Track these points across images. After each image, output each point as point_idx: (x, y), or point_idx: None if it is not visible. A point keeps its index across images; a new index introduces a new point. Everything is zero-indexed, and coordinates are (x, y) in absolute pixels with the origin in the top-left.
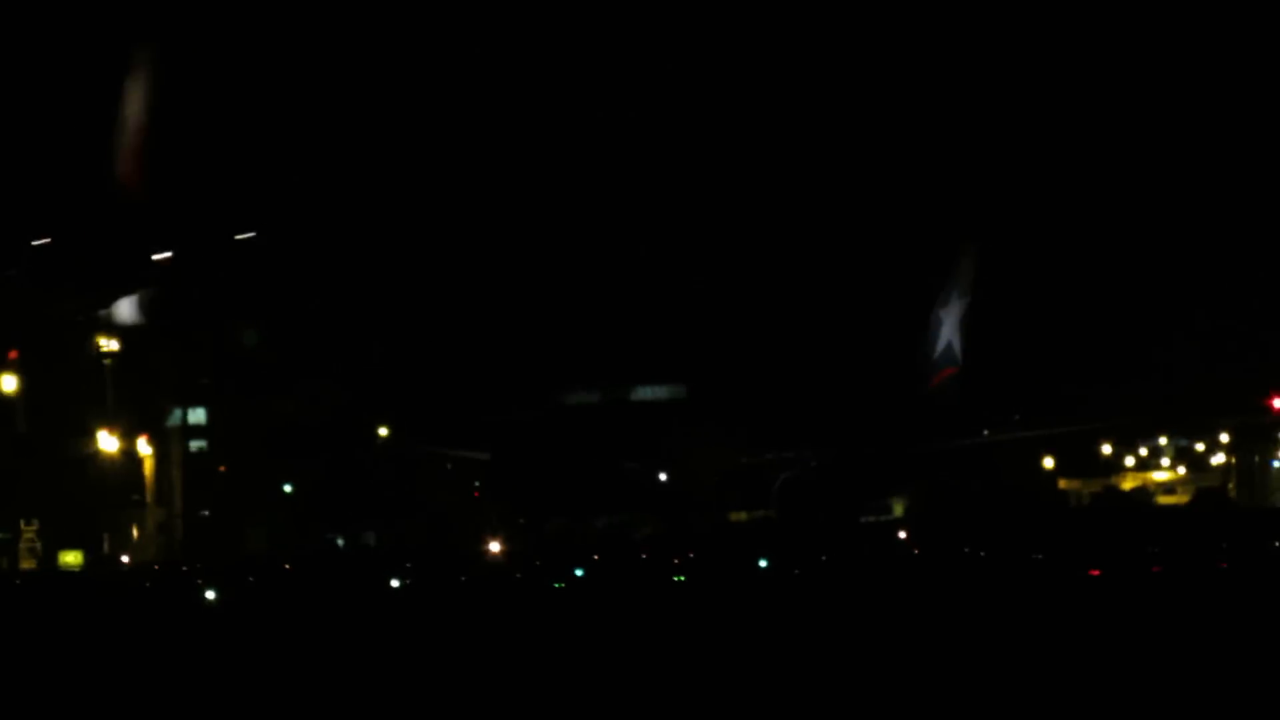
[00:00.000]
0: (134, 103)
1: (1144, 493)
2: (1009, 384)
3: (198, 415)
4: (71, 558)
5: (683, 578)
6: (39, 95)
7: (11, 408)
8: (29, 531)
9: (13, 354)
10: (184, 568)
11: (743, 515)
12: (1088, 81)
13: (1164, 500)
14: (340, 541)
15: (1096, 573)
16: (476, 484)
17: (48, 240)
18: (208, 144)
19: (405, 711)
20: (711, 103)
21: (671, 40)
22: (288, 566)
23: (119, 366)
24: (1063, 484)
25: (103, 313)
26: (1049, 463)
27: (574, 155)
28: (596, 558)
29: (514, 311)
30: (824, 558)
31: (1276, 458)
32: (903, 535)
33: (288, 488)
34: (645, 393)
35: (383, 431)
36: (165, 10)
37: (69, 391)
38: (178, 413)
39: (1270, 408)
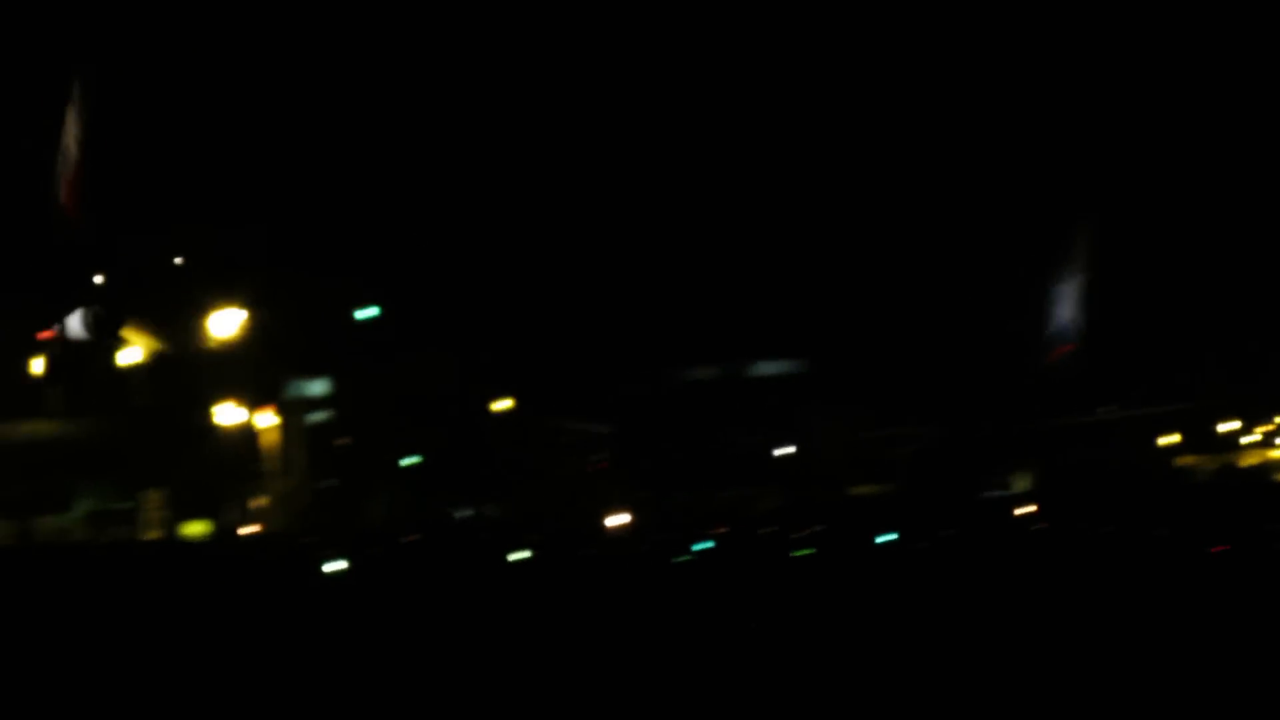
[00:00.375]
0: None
1: (1265, 470)
2: (1128, 361)
3: (320, 387)
4: (195, 528)
5: (806, 551)
6: None
7: (134, 379)
8: (153, 502)
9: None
10: (306, 539)
11: (864, 490)
12: (1216, 50)
13: None
14: (463, 513)
15: (1219, 549)
16: (599, 457)
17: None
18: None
19: (527, 684)
20: (815, 74)
21: (776, 7)
22: (410, 538)
23: (242, 336)
24: (1181, 461)
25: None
26: (1168, 439)
27: (689, 127)
28: (719, 531)
29: (636, 285)
30: (947, 532)
31: None
32: (1025, 511)
33: (410, 460)
34: (767, 368)
35: (505, 404)
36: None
37: (192, 363)
38: (300, 384)
39: None
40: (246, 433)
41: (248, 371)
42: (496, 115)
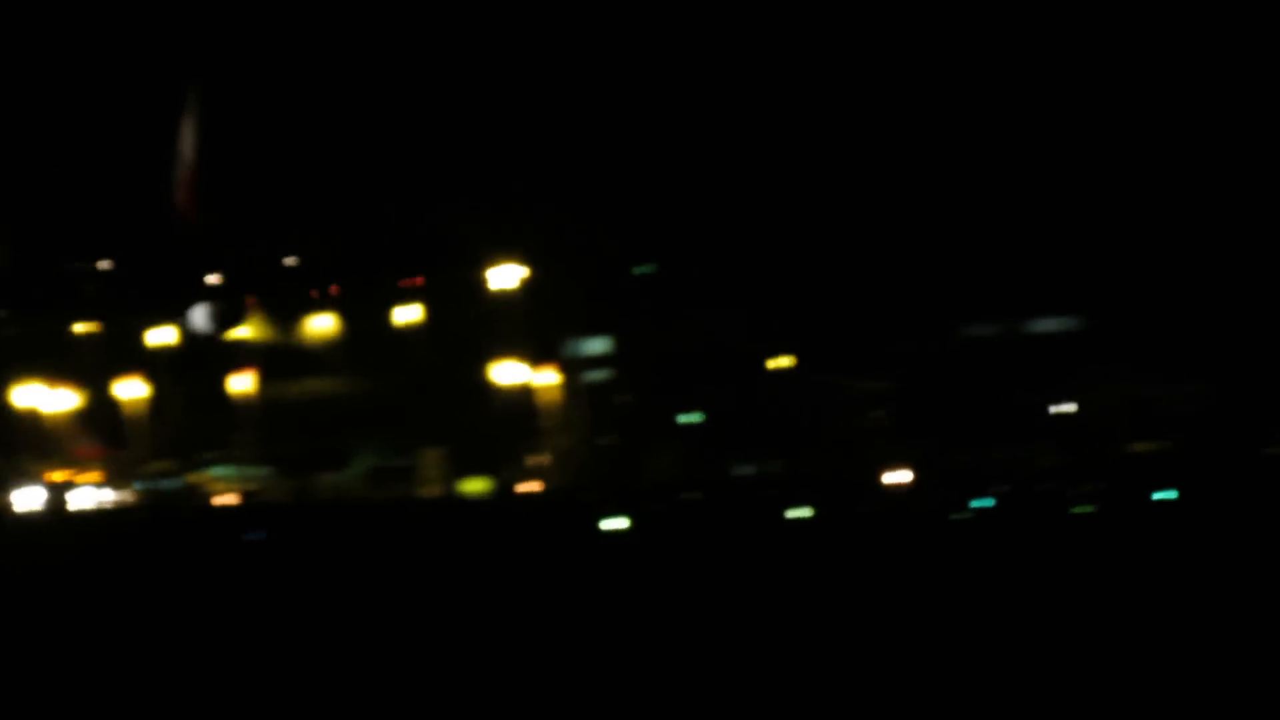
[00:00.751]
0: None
1: None
2: None
3: (600, 344)
4: (475, 484)
5: (1085, 508)
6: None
7: (415, 335)
8: (432, 459)
9: (417, 281)
10: (586, 496)
11: (1143, 447)
12: None
13: None
14: (742, 471)
15: None
16: (878, 414)
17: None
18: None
19: (809, 636)
20: (1100, 35)
21: None
22: (690, 495)
23: (522, 294)
24: None
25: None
26: None
27: (966, 87)
28: (998, 489)
29: (916, 241)
30: (1225, 488)
31: None
32: None
33: (690, 417)
34: (1046, 324)
35: (784, 361)
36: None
37: (472, 319)
38: (580, 341)
39: None
40: (526, 390)
41: (528, 329)
42: (779, 74)
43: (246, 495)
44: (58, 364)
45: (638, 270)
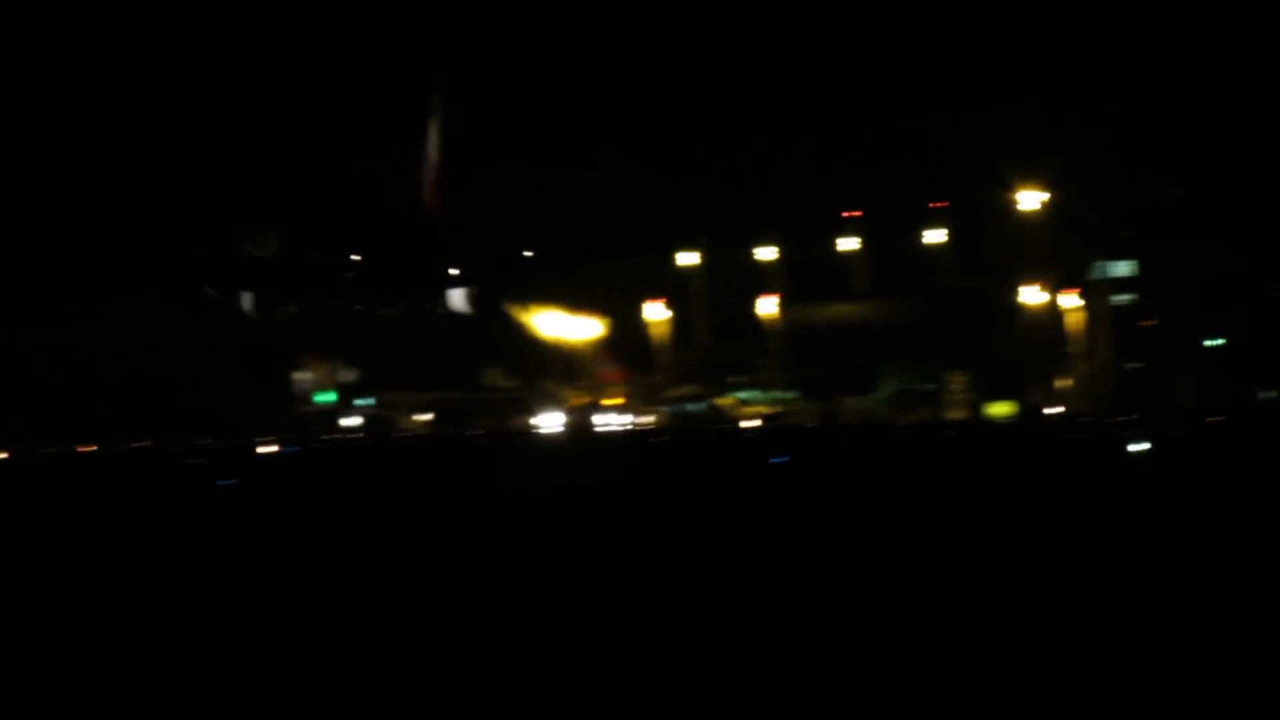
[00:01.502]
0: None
1: None
2: None
3: (1126, 267)
4: (1001, 408)
5: None
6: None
7: (941, 258)
8: (959, 383)
9: (942, 204)
10: (1111, 420)
11: None
12: None
13: None
14: (1267, 394)
15: None
16: None
17: None
18: None
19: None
20: None
21: None
22: (1214, 419)
23: (1046, 219)
24: None
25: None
26: None
27: None
28: None
29: None
30: None
31: None
32: None
33: (1214, 341)
34: None
35: None
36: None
37: (997, 243)
38: (1105, 264)
39: None
40: (1051, 314)
41: (1053, 252)
42: None
43: (771, 418)
44: (582, 294)
45: (1168, 193)
